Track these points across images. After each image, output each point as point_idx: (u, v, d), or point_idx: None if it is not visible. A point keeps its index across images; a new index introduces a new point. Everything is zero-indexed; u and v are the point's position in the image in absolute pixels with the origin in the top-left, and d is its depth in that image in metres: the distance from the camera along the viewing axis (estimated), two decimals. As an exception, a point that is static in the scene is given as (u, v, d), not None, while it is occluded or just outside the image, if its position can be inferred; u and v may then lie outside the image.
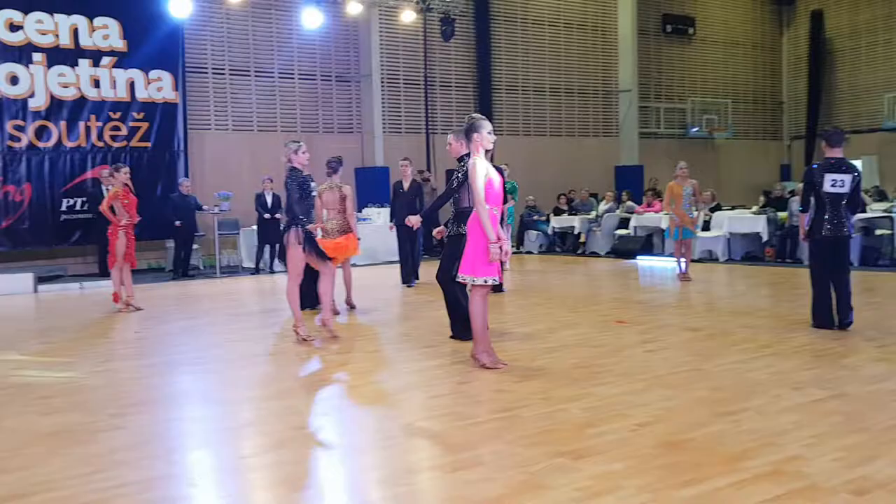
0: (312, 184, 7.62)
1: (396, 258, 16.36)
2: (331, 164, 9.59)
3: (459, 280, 6.04)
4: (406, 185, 12.31)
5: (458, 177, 7.12)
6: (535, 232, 18.69)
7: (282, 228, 7.57)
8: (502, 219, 6.44)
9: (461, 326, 7.25)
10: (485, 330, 6.13)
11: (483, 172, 5.92)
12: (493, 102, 20.76)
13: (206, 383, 6.19)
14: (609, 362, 6.31)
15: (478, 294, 6.04)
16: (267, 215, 14.75)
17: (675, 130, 24.51)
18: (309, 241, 7.49)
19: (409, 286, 12.21)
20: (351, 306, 9.90)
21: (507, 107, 21.36)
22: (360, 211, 16.69)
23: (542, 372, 6.00)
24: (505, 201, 11.47)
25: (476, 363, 6.15)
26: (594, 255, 17.35)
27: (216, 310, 10.44)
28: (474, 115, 6.24)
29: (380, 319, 9.31)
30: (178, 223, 14.52)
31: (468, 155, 7.17)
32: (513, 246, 14.82)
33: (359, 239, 9.67)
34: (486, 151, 6.11)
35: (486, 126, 6.06)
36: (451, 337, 7.41)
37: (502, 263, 6.22)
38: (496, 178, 6.06)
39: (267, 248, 15.04)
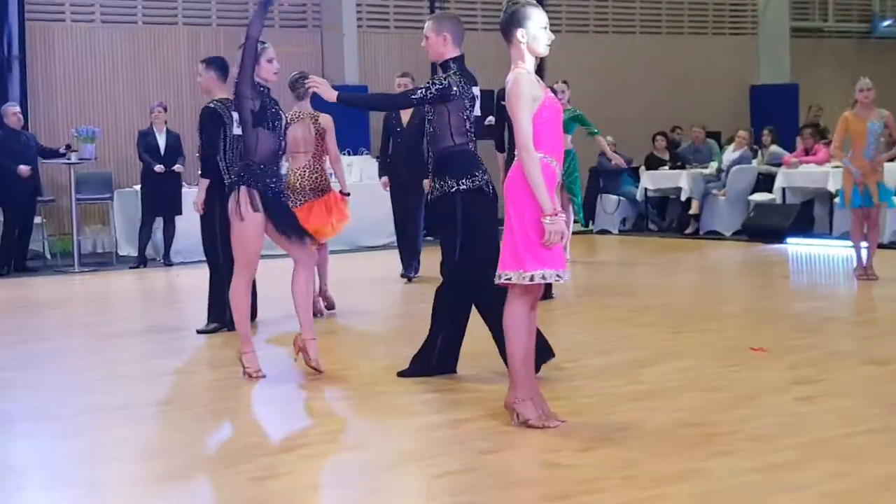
0: (281, 112, 7.86)
1: (380, 241, 16.46)
2: (297, 86, 10.06)
3: (500, 282, 6.05)
4: (406, 118, 12.56)
5: (430, 91, 7.19)
6: (616, 197, 18.70)
7: (226, 186, 7.87)
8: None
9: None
10: (528, 362, 6.15)
11: (530, 95, 5.96)
12: (544, -22, 20.76)
13: (58, 451, 6.21)
14: (736, 417, 6.31)
15: (520, 300, 6.07)
16: (159, 167, 14.79)
17: (852, 25, 24.46)
18: (277, 209, 7.63)
19: (408, 279, 12.66)
20: (328, 306, 10.41)
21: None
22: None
23: (623, 433, 6.02)
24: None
25: (514, 418, 6.17)
26: (714, 235, 17.40)
27: (74, 327, 10.51)
28: None
29: (364, 340, 9.42)
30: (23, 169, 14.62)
31: (456, 60, 7.32)
32: (577, 220, 14.83)
33: (347, 195, 10.40)
34: (538, 60, 6.14)
35: (538, 17, 6.08)
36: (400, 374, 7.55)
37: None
38: (554, 106, 6.11)
39: (159, 224, 15.11)
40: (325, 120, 10.13)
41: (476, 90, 7.36)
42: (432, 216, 7.55)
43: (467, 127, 7.28)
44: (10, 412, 7.14)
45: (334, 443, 6.32)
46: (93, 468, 5.85)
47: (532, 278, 5.95)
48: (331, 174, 10.47)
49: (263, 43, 7.77)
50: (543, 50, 6.09)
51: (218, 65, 9.59)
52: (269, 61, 7.73)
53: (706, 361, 7.94)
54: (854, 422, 6.17)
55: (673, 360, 8.02)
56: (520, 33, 6.04)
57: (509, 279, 6.00)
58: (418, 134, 12.01)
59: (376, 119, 18.14)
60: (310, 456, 6.00)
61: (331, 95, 7.34)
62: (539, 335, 6.58)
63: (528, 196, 5.92)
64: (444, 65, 7.33)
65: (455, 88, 7.19)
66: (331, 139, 10.07)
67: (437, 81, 7.24)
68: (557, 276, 6.01)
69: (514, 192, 5.99)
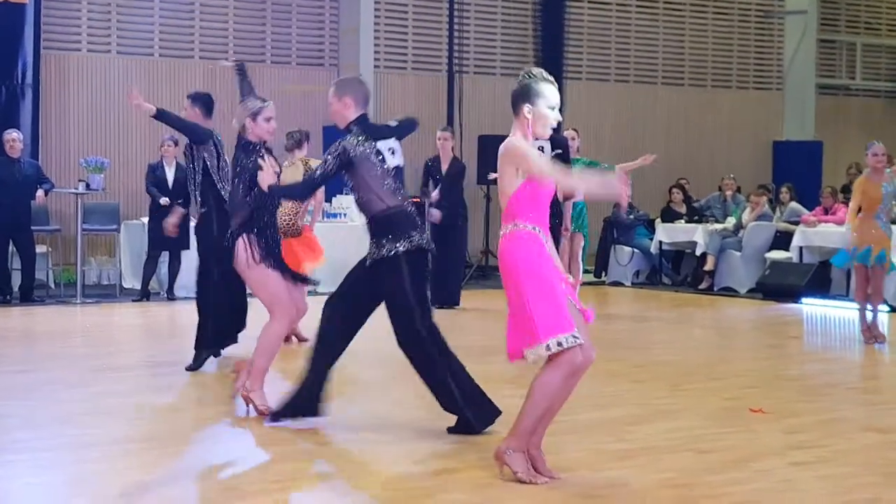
0: (279, 165, 8.11)
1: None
2: (293, 137, 10.64)
3: (532, 356, 5.92)
4: (445, 167, 13.90)
5: (327, 165, 7.19)
6: (629, 249, 18.66)
7: (227, 237, 7.93)
8: (554, 226, 6.43)
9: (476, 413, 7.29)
10: (543, 421, 6.11)
11: (530, 149, 6.04)
12: (568, 26, 20.78)
13: (31, 485, 6.18)
14: (725, 480, 6.26)
15: (559, 369, 5.90)
16: (164, 200, 14.78)
17: (880, 84, 24.47)
18: (271, 257, 7.82)
19: (442, 307, 13.82)
20: (300, 339, 10.81)
21: (591, 34, 21.45)
22: (328, 202, 16.69)
23: (606, 491, 5.98)
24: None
25: (503, 469, 6.10)
26: (728, 292, 17.34)
27: (70, 358, 10.52)
28: (534, 70, 6.20)
29: (358, 378, 9.39)
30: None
31: (357, 121, 7.29)
32: (587, 271, 14.77)
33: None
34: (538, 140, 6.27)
35: (550, 96, 6.05)
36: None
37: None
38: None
39: (165, 258, 15.17)
40: (316, 164, 10.15)
41: (385, 144, 7.30)
42: (372, 280, 7.36)
43: (389, 183, 7.21)
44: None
45: (307, 490, 6.30)
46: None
47: (548, 347, 5.83)
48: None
49: (264, 100, 7.95)
50: (544, 132, 6.08)
51: (203, 101, 9.84)
52: (268, 120, 7.87)
53: (702, 421, 7.86)
54: (847, 490, 6.11)
55: (667, 418, 7.95)
56: (526, 109, 6.02)
57: (545, 349, 5.86)
58: (454, 181, 13.99)
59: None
60: (283, 501, 6.00)
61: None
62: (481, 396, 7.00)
63: (529, 266, 5.88)
64: (347, 129, 7.30)
65: (352, 152, 7.14)
66: (320, 191, 10.01)
67: (331, 152, 7.23)
68: (568, 339, 5.83)
69: (514, 265, 5.94)
